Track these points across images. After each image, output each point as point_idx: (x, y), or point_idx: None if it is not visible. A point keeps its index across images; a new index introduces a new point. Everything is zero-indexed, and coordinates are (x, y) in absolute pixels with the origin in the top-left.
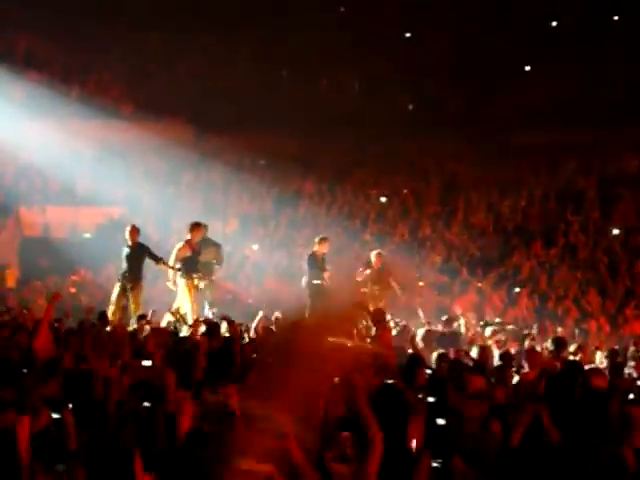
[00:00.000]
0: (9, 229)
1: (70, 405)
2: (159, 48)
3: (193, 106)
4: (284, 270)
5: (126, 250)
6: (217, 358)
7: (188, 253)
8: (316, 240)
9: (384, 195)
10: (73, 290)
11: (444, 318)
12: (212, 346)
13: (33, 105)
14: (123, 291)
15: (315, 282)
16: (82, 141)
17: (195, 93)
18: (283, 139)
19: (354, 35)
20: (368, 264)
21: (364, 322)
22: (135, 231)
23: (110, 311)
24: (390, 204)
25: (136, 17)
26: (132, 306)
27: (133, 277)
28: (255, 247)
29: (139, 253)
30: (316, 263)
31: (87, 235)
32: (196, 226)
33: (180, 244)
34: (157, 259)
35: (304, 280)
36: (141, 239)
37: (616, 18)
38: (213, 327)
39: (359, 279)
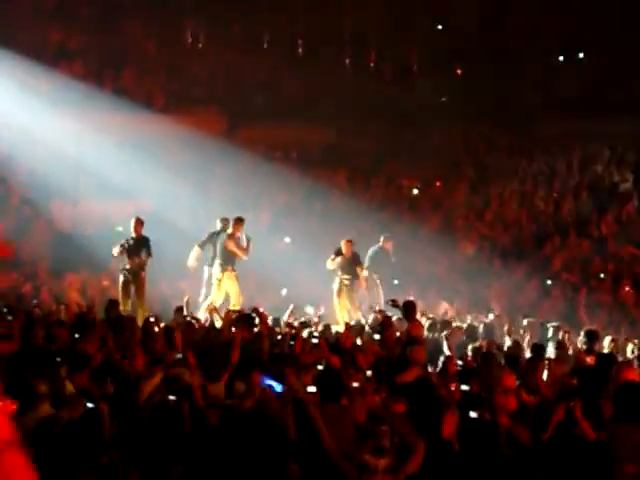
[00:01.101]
0: (41, 223)
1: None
2: (191, 40)
3: (225, 97)
4: (315, 263)
5: (130, 242)
6: (246, 351)
7: (232, 247)
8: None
9: (416, 187)
10: (106, 283)
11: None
12: (243, 337)
13: (65, 98)
14: (126, 283)
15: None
16: (113, 134)
17: (227, 84)
18: (315, 129)
19: (387, 21)
20: (338, 252)
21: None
22: (140, 224)
23: (120, 303)
24: (422, 195)
25: (167, 9)
26: (137, 298)
27: (136, 270)
28: (287, 240)
29: (142, 246)
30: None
31: (119, 228)
32: (239, 221)
33: (225, 237)
34: (149, 253)
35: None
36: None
37: None
38: (246, 319)
39: (330, 267)
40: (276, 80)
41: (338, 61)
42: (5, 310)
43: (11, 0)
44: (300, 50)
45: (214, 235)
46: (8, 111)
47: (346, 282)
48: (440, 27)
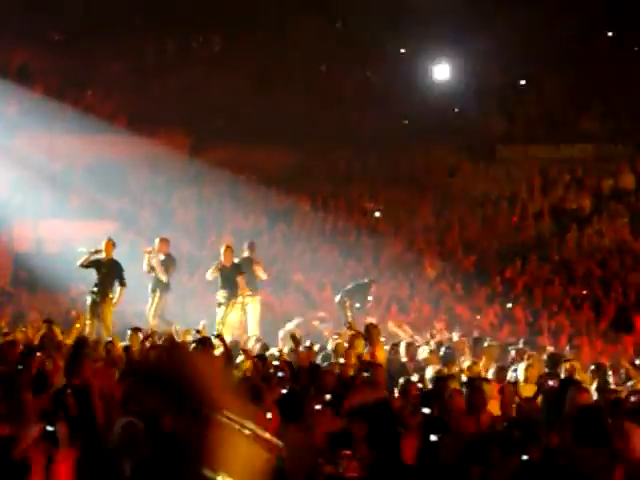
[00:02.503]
0: (2, 244)
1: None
2: (154, 62)
3: (188, 120)
4: (278, 285)
5: (99, 263)
6: None
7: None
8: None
9: (378, 209)
10: (66, 304)
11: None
12: None
13: (26, 119)
14: (94, 304)
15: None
16: (76, 155)
17: (190, 107)
18: (278, 152)
19: (352, 45)
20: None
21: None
22: (111, 246)
23: (87, 324)
24: (384, 218)
25: (130, 31)
26: (103, 321)
27: (103, 291)
28: None
29: (112, 269)
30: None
31: (82, 249)
32: (253, 245)
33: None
34: (122, 283)
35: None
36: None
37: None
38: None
39: (209, 278)
40: (240, 103)
41: (300, 84)
42: None
43: None
44: (264, 73)
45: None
46: None
47: (222, 299)
48: (403, 51)
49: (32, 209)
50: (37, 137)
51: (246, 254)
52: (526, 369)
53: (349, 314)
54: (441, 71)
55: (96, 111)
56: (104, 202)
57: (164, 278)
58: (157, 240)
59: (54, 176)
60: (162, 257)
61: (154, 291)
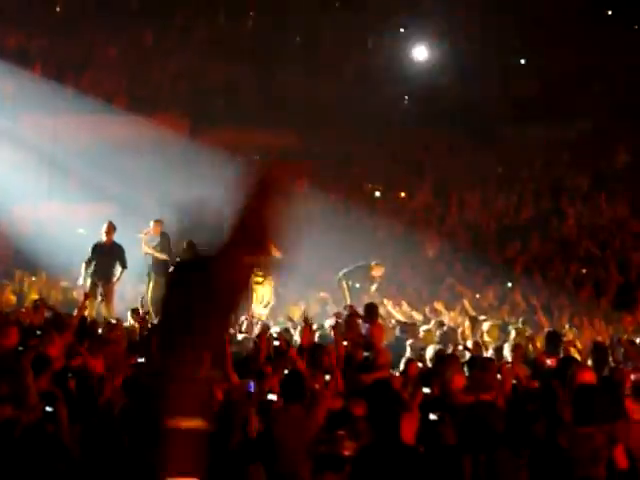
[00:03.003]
0: (2, 226)
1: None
2: (154, 44)
3: (188, 101)
4: None
5: (100, 247)
6: None
7: None
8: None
9: (378, 190)
10: (65, 284)
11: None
12: None
13: (25, 100)
14: (94, 286)
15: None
16: (74, 136)
17: (189, 88)
18: (278, 133)
19: (351, 26)
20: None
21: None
22: (112, 229)
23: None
24: (384, 198)
25: (130, 13)
26: (107, 303)
27: (106, 274)
28: None
29: (115, 256)
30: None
31: (81, 230)
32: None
33: None
34: (124, 265)
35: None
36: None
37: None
38: None
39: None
40: (239, 85)
41: (298, 64)
42: None
43: None
44: (262, 53)
45: None
46: None
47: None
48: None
49: (32, 191)
50: (36, 118)
51: None
52: (513, 349)
53: (347, 294)
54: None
55: (95, 93)
56: (103, 185)
57: (164, 256)
58: (151, 222)
59: (53, 158)
60: (158, 239)
61: (149, 274)
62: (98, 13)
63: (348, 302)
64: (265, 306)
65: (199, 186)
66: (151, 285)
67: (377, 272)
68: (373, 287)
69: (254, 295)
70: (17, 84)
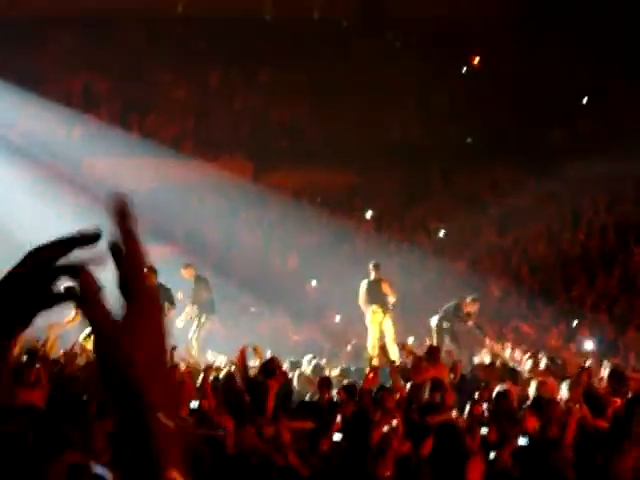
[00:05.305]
0: None
1: None
2: (218, 86)
3: (251, 142)
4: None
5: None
6: None
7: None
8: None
9: (442, 228)
10: None
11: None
12: None
13: (92, 144)
14: None
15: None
16: (141, 179)
17: (253, 130)
18: (341, 173)
19: (411, 66)
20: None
21: None
22: (190, 271)
23: None
24: (449, 237)
25: (194, 55)
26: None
27: None
28: (314, 283)
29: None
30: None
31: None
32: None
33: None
34: (172, 303)
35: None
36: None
37: None
38: None
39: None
40: (301, 125)
41: (360, 104)
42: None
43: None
44: (325, 95)
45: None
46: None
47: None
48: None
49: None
50: (102, 162)
51: (373, 275)
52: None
53: (434, 336)
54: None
55: (160, 136)
56: (169, 226)
57: (197, 305)
58: (182, 270)
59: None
60: (193, 284)
61: (199, 316)
62: (161, 55)
63: (433, 343)
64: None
65: (263, 228)
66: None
67: (471, 308)
68: (470, 323)
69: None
70: (83, 128)
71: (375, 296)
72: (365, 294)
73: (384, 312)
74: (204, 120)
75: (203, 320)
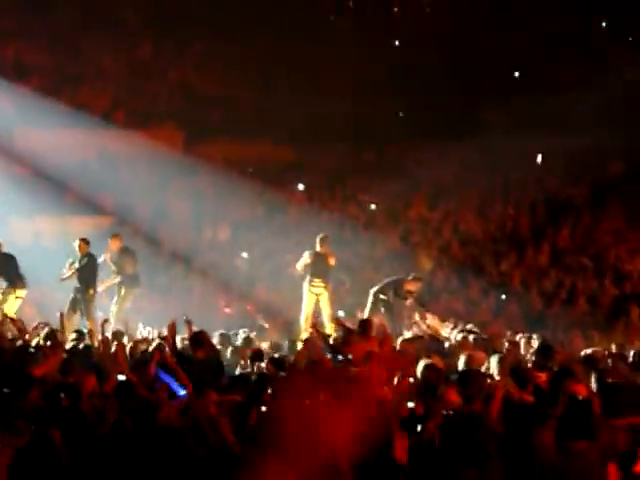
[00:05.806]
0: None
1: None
2: (151, 57)
3: (183, 114)
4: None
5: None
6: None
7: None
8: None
9: (374, 202)
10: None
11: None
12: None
13: (22, 115)
14: (74, 301)
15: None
16: (71, 150)
17: (185, 101)
18: (273, 146)
19: (347, 37)
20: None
21: None
22: (84, 244)
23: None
24: (380, 211)
25: (127, 27)
26: (86, 317)
27: (82, 287)
28: (245, 255)
29: (88, 264)
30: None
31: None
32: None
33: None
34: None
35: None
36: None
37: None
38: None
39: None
40: (234, 97)
41: (295, 78)
42: None
43: None
44: (259, 68)
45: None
46: None
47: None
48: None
49: (28, 205)
50: (33, 133)
51: (319, 247)
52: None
53: (368, 309)
54: None
55: (91, 107)
56: (99, 198)
57: (120, 276)
58: (109, 240)
59: (50, 172)
60: (116, 254)
61: (119, 288)
62: (93, 26)
63: (365, 314)
64: None
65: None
66: (118, 300)
67: (412, 286)
68: (409, 301)
69: None
70: (14, 99)
71: (320, 269)
72: (309, 265)
73: (325, 287)
74: (136, 91)
75: (123, 293)
